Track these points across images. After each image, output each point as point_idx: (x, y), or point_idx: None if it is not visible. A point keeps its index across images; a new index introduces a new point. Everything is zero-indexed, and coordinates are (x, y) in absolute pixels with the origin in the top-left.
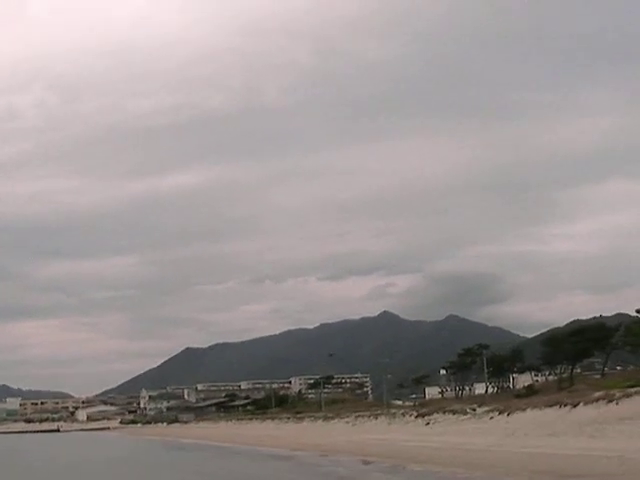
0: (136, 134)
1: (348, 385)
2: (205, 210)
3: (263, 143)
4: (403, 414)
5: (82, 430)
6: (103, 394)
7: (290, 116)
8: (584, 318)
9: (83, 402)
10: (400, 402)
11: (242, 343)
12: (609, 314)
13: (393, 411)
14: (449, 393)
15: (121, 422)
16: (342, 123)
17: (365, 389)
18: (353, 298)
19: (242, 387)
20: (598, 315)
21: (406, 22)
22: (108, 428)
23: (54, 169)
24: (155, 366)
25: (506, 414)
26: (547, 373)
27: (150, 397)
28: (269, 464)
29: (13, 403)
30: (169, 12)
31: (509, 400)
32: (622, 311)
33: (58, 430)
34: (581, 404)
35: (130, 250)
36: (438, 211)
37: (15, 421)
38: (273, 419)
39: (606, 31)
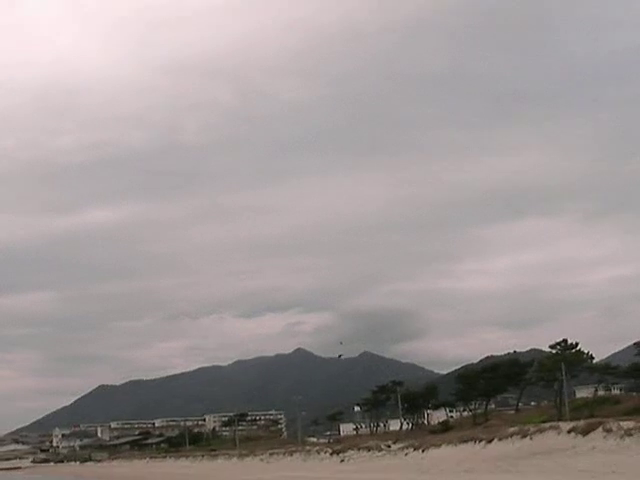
0: (55, 170)
1: (262, 422)
2: (123, 247)
3: (183, 181)
4: (318, 451)
5: None
6: (15, 432)
7: (210, 155)
8: (498, 354)
9: None
10: (314, 439)
11: (156, 380)
12: (523, 350)
13: (308, 448)
14: (364, 430)
15: (33, 461)
16: (261, 162)
17: (279, 426)
18: (268, 335)
19: (156, 425)
20: (512, 351)
21: (325, 64)
22: (19, 467)
23: None
24: (69, 404)
25: (421, 450)
26: (462, 409)
27: (63, 435)
28: None
29: None
30: (91, 50)
31: (424, 436)
32: (536, 347)
33: None
34: (495, 440)
35: (47, 286)
36: (355, 248)
37: None
38: (187, 457)
39: (523, 72)
